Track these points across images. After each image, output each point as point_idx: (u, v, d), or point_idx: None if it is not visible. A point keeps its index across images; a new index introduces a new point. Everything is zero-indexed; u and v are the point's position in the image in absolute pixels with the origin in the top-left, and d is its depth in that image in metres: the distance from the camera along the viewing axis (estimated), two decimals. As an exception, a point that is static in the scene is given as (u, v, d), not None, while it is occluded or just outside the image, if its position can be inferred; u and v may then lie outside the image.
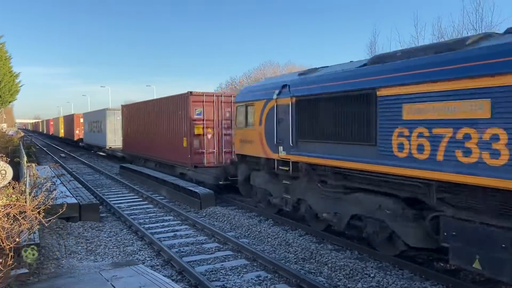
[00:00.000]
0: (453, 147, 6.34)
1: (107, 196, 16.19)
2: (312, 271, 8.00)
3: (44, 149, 44.67)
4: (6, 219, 6.56)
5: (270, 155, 11.19)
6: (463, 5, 52.74)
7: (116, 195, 16.75)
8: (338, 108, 8.70)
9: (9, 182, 8.35)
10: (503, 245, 5.90)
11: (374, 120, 7.77)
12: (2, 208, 6.67)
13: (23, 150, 19.77)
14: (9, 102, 40.66)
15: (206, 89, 17.65)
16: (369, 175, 8.13)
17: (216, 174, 15.42)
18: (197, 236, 10.59)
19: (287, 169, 10.50)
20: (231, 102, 16.69)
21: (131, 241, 10.17)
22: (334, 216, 9.35)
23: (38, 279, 6.58)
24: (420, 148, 6.87)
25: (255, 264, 8.38)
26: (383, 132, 7.58)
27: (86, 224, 11.52)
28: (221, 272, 7.95)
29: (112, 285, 6.33)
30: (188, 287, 7.28)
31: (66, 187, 14.46)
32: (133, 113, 25.48)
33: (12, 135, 34.94)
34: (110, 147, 31.49)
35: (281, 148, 10.62)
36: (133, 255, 9.03)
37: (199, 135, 16.66)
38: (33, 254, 6.75)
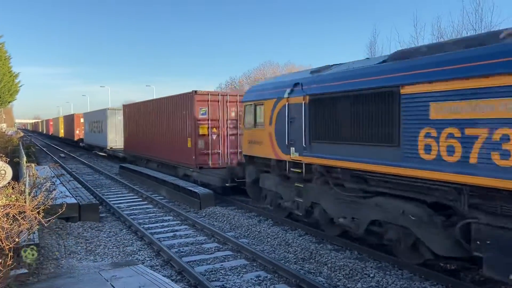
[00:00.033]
0: (489, 149, 5.85)
1: (106, 196, 16.19)
2: (312, 271, 8.00)
3: (44, 149, 44.66)
4: (5, 219, 6.56)
5: (281, 157, 10.67)
6: (462, 5, 53.22)
7: (115, 195, 16.75)
8: (356, 107, 8.19)
9: (9, 182, 8.37)
10: None
11: (397, 119, 7.26)
12: (1, 208, 6.67)
13: (22, 150, 19.81)
14: (9, 102, 40.75)
15: (206, 89, 17.36)
16: (390, 178, 7.64)
17: (222, 176, 14.97)
18: (196, 236, 10.59)
19: (300, 171, 10.01)
20: (237, 101, 16.49)
21: (131, 241, 10.18)
22: (351, 222, 8.82)
23: (37, 279, 6.58)
24: (450, 150, 6.37)
25: (255, 264, 8.38)
26: (408, 132, 7.06)
27: (86, 224, 11.52)
28: (221, 272, 7.95)
29: (112, 285, 6.33)
30: (188, 287, 7.28)
31: (65, 187, 14.45)
32: (135, 113, 25.07)
33: (12, 135, 34.90)
34: (111, 148, 31.26)
35: (293, 149, 10.12)
36: (132, 255, 9.03)
37: (204, 135, 16.37)
38: (33, 254, 6.74)
